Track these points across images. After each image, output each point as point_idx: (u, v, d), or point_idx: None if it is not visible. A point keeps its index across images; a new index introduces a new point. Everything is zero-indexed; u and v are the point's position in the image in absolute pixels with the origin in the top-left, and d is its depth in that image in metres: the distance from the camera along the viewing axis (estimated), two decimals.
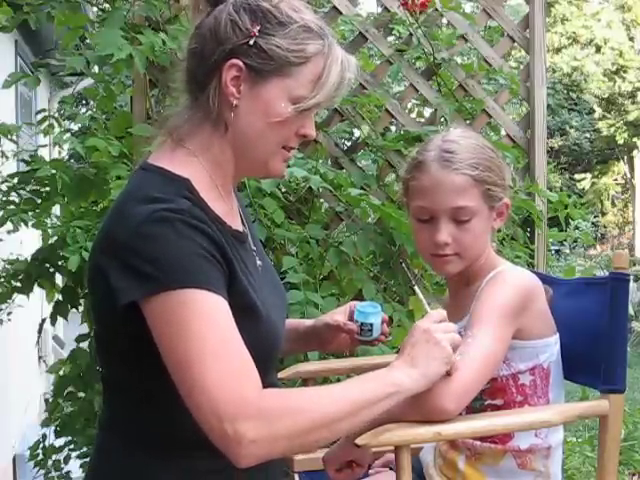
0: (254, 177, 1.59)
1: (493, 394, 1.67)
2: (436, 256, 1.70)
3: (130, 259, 1.28)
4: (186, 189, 1.35)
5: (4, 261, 3.04)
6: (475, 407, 1.65)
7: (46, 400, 3.32)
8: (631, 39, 19.09)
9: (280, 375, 1.98)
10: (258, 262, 1.49)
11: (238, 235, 1.43)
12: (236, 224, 1.46)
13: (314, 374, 2.11)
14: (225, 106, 1.38)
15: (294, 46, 1.36)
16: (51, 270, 2.83)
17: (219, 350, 1.24)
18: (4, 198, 2.80)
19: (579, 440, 4.28)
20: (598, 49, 18.88)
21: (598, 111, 19.48)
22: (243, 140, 1.39)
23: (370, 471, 1.82)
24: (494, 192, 1.68)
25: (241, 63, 1.35)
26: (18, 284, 2.86)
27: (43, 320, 2.99)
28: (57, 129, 2.95)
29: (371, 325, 1.66)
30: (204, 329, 1.24)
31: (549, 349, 1.70)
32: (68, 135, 3.03)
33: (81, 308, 2.83)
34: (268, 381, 1.35)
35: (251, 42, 1.35)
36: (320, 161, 2.87)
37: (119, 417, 1.42)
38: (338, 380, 2.62)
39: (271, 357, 1.46)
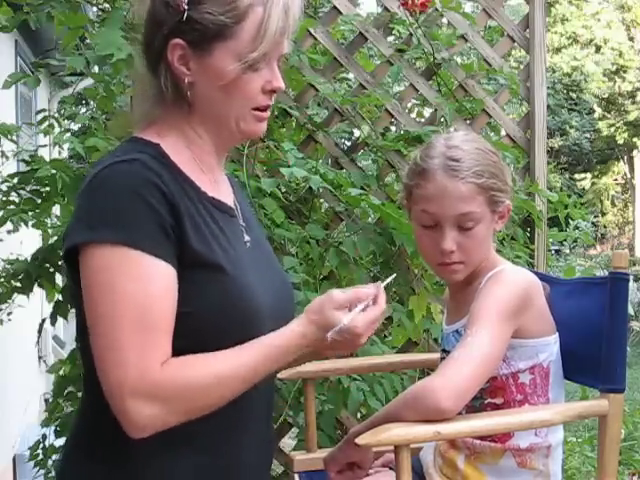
0: (234, 146, 1.57)
1: (493, 393, 1.67)
2: (442, 265, 1.71)
3: (77, 211, 1.33)
4: (153, 150, 1.37)
5: (4, 261, 3.04)
6: (475, 406, 1.65)
7: (46, 400, 3.32)
8: (631, 39, 19.11)
9: (280, 375, 1.98)
10: (246, 237, 1.48)
11: (218, 204, 1.43)
12: (220, 196, 1.45)
13: (314, 374, 2.11)
14: (182, 86, 1.38)
15: (225, 7, 1.34)
16: (51, 270, 2.83)
17: (133, 319, 1.25)
18: (4, 198, 2.80)
19: (579, 440, 4.28)
20: (598, 49, 18.89)
21: (598, 111, 19.49)
22: (208, 113, 1.40)
23: (370, 471, 1.83)
24: (498, 198, 1.69)
25: (182, 41, 1.36)
26: (18, 284, 2.86)
27: (43, 320, 2.99)
28: (57, 129, 2.94)
29: None
30: (127, 296, 1.25)
31: (549, 348, 1.70)
32: (68, 135, 3.02)
33: None
34: None
35: (184, 17, 1.34)
36: (320, 161, 2.87)
37: (88, 414, 1.40)
38: (339, 381, 2.62)
39: (247, 329, 1.36)
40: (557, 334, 1.73)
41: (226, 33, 1.35)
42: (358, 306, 1.39)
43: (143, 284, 1.26)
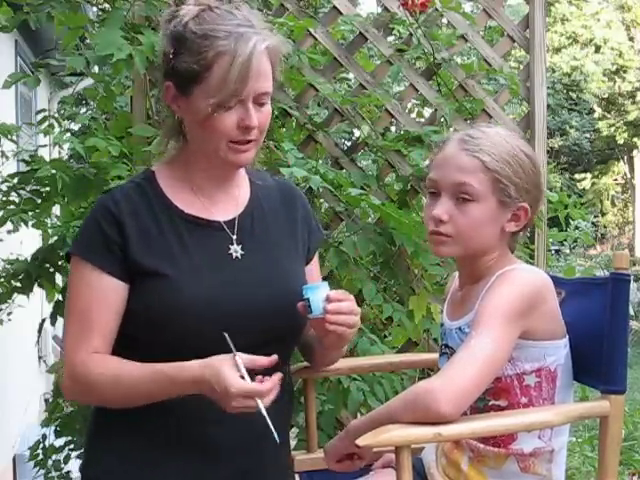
0: (233, 170, 1.72)
1: (497, 394, 1.65)
2: (433, 234, 1.70)
3: None
4: (143, 176, 1.70)
5: (4, 261, 3.04)
6: (479, 407, 1.64)
7: (46, 400, 3.32)
8: (631, 39, 19.11)
9: None
10: (234, 249, 1.66)
11: (194, 220, 1.65)
12: (204, 214, 1.66)
13: (314, 374, 2.11)
14: (179, 120, 1.66)
15: (195, 56, 1.56)
16: (51, 270, 2.83)
17: (76, 317, 1.62)
18: (4, 198, 2.80)
19: (579, 440, 4.28)
20: (598, 49, 18.89)
21: (598, 111, 19.49)
22: (195, 144, 1.66)
23: (370, 472, 1.83)
24: (505, 186, 1.65)
25: (171, 84, 1.62)
26: (18, 284, 2.86)
27: (43, 320, 2.99)
28: (57, 129, 2.94)
29: (308, 300, 1.60)
30: (74, 296, 1.63)
31: (557, 351, 1.68)
32: (68, 135, 3.02)
33: None
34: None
35: (170, 65, 1.61)
36: (320, 161, 2.87)
37: None
38: (339, 381, 2.62)
39: (181, 328, 1.57)
40: (567, 338, 1.71)
41: (198, 78, 1.57)
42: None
43: (87, 291, 1.61)
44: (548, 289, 1.66)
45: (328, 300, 1.60)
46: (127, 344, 1.62)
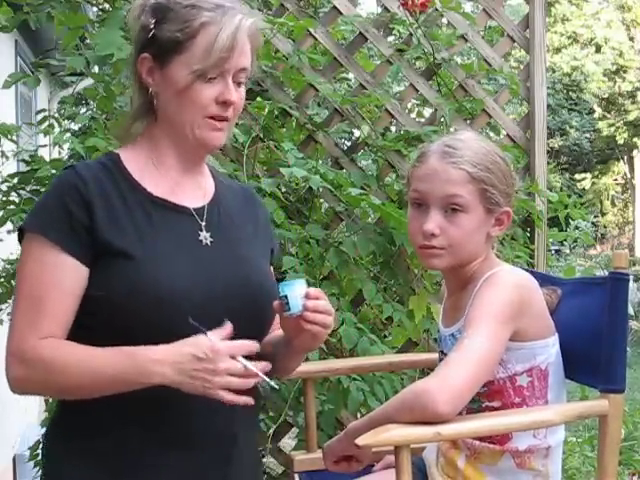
0: (199, 155, 1.66)
1: (490, 396, 1.67)
2: (423, 248, 1.71)
3: None
4: (108, 158, 1.62)
5: (4, 261, 3.04)
6: (473, 409, 1.65)
7: (46, 400, 3.31)
8: (631, 39, 19.11)
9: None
10: (203, 235, 1.61)
11: (162, 202, 1.59)
12: (171, 197, 1.60)
13: (314, 374, 2.11)
14: (150, 97, 1.60)
15: (180, 25, 1.54)
16: None
17: (27, 299, 1.51)
18: (4, 198, 2.80)
19: (579, 440, 4.27)
20: (598, 49, 18.89)
21: (598, 111, 19.49)
22: (168, 119, 1.59)
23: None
24: (492, 194, 1.68)
25: (148, 55, 1.58)
26: None
27: None
28: (57, 129, 2.94)
29: (286, 297, 1.51)
30: (25, 276, 1.52)
31: (546, 350, 1.69)
32: (68, 135, 3.02)
33: None
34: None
35: (150, 35, 1.56)
36: (320, 161, 2.87)
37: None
38: (339, 380, 2.62)
39: (155, 314, 1.48)
40: (556, 336, 1.72)
41: (181, 47, 1.54)
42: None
43: (40, 270, 1.50)
44: (534, 289, 1.69)
45: (307, 297, 1.52)
46: (83, 335, 1.50)
